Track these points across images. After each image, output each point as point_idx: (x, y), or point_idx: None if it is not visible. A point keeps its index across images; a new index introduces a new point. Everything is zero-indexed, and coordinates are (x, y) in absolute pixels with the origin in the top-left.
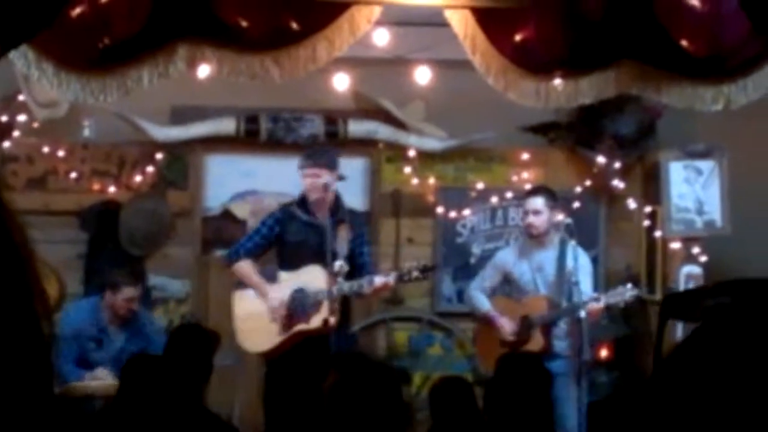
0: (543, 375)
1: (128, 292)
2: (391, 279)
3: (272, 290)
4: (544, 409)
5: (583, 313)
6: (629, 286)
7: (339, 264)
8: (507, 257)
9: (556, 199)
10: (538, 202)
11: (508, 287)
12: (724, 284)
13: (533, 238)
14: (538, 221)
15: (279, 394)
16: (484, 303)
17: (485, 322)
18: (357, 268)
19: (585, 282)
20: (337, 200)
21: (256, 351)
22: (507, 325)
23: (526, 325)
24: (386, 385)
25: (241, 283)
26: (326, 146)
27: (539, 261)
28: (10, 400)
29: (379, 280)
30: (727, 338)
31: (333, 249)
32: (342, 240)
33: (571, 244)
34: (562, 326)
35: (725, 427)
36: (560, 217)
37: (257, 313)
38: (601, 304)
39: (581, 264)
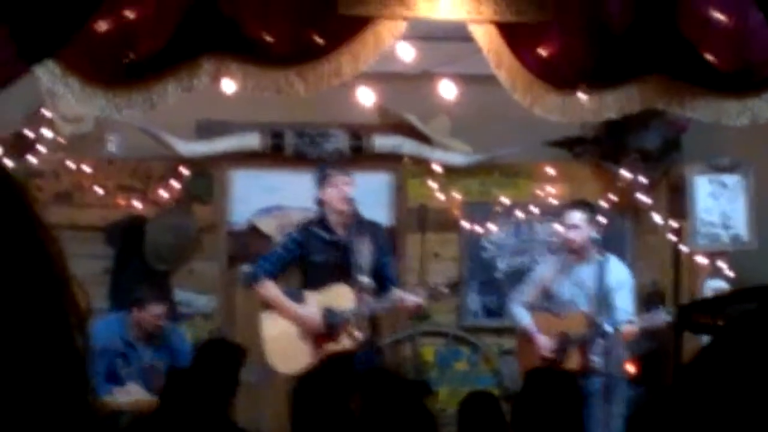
0: (572, 392)
1: (155, 308)
2: (420, 299)
3: (302, 309)
4: (573, 426)
5: (610, 328)
6: (662, 309)
7: (366, 281)
8: (546, 272)
9: (595, 212)
10: (576, 216)
11: (547, 302)
12: (746, 291)
13: (572, 253)
14: (577, 236)
15: (305, 410)
16: (524, 317)
17: (526, 338)
18: (382, 280)
19: (625, 298)
20: (356, 214)
21: (289, 372)
22: (545, 342)
23: (563, 343)
24: (408, 399)
25: (266, 305)
26: (337, 158)
27: (579, 276)
28: (47, 414)
29: (409, 299)
30: (751, 345)
31: (357, 264)
32: (365, 255)
33: (613, 258)
34: (600, 342)
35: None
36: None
37: (287, 333)
38: (635, 327)
39: (621, 279)
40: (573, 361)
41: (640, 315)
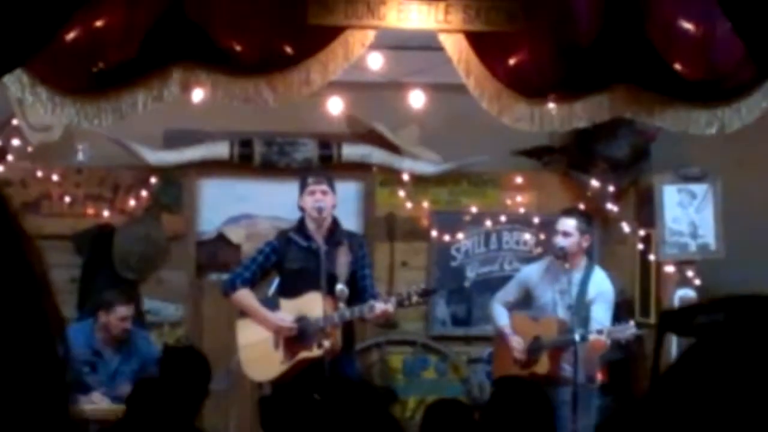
0: (541, 402)
1: (121, 311)
2: (390, 306)
3: (276, 316)
4: None
5: (578, 337)
6: (631, 323)
7: (340, 288)
8: (532, 275)
9: (590, 223)
10: (569, 223)
11: (526, 305)
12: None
13: (559, 260)
14: (567, 243)
15: (274, 418)
16: (502, 317)
17: (503, 339)
18: (358, 291)
19: (602, 310)
20: (335, 223)
21: (262, 380)
22: (518, 343)
23: (536, 346)
24: (373, 407)
25: (242, 313)
26: (323, 170)
27: (563, 283)
28: (27, 422)
29: (379, 306)
30: (721, 355)
31: (332, 273)
32: (342, 264)
33: (598, 270)
34: (570, 351)
35: None
36: (549, 237)
37: (261, 341)
38: (602, 338)
39: (602, 291)
40: (543, 366)
41: (609, 327)
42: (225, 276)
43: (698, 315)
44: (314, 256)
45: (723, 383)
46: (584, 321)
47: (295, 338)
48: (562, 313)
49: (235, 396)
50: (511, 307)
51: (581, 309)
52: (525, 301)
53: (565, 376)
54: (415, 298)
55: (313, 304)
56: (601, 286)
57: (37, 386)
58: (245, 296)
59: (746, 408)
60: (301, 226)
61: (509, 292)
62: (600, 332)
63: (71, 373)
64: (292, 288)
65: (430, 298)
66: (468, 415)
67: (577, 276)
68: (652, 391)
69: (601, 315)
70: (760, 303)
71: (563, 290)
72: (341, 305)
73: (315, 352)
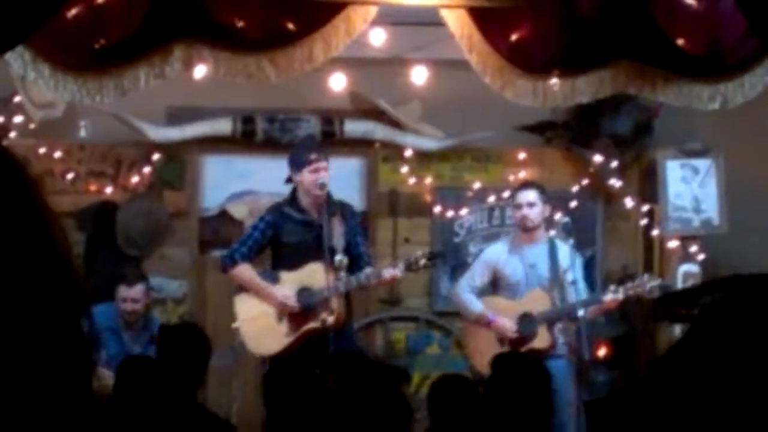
0: (543, 376)
1: (121, 291)
2: (399, 271)
3: (278, 289)
4: (543, 410)
5: (581, 312)
6: (647, 276)
7: (339, 258)
8: (497, 254)
9: (545, 193)
10: (531, 194)
11: (494, 287)
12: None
13: (527, 232)
14: (533, 213)
15: (279, 393)
16: (476, 304)
17: (481, 324)
18: (354, 259)
19: (578, 273)
20: (328, 195)
21: (267, 354)
22: (507, 325)
23: (527, 323)
24: (385, 385)
25: (241, 288)
26: (317, 143)
27: (531, 257)
28: (51, 396)
29: (388, 272)
30: (722, 334)
31: (330, 244)
32: (338, 234)
33: (560, 240)
34: (568, 326)
35: (722, 424)
36: (554, 213)
37: (262, 315)
38: (619, 296)
39: (569, 256)
40: (542, 340)
41: (625, 284)
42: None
43: (699, 297)
44: (311, 228)
45: (723, 363)
46: (564, 288)
47: (299, 311)
48: (538, 287)
49: (239, 372)
50: (479, 293)
51: (557, 279)
52: (492, 283)
53: (557, 351)
54: (423, 262)
55: (315, 275)
56: (570, 254)
57: (62, 362)
58: (245, 271)
59: (746, 387)
60: (293, 200)
61: (476, 277)
62: (615, 292)
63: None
64: (290, 261)
65: (440, 261)
66: (473, 390)
67: (543, 247)
68: (650, 372)
69: (579, 277)
70: (759, 282)
71: (533, 264)
72: (342, 274)
73: (320, 323)
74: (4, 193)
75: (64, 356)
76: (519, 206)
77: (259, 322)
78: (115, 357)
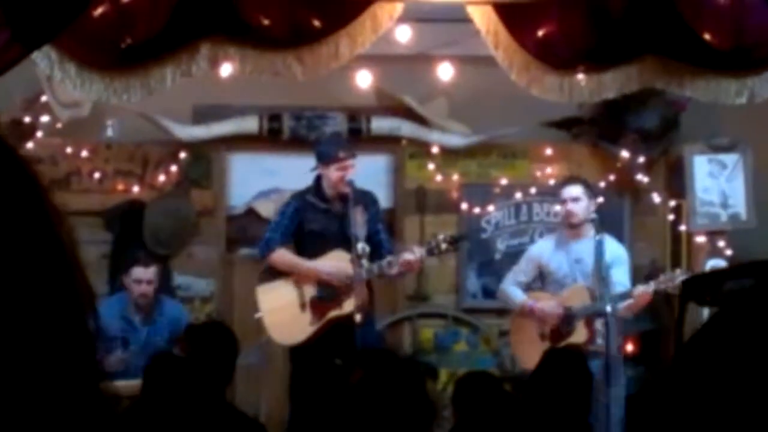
0: (585, 374)
1: (137, 272)
2: (419, 254)
3: (322, 265)
4: (583, 409)
5: (609, 308)
6: (678, 271)
7: (361, 246)
8: (543, 249)
9: (591, 189)
10: (577, 189)
11: (541, 282)
12: (745, 266)
13: (573, 228)
14: (579, 209)
15: (305, 389)
16: (519, 295)
17: (523, 315)
18: (374, 246)
19: (622, 272)
20: (350, 184)
21: (291, 343)
22: (549, 310)
23: (567, 318)
24: (412, 381)
25: (263, 278)
26: (344, 141)
27: (577, 252)
28: (59, 397)
29: (408, 255)
30: (748, 321)
31: (354, 232)
32: (360, 223)
33: (608, 236)
34: (599, 322)
35: (749, 414)
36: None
37: (286, 305)
38: (650, 289)
39: (618, 255)
40: (580, 335)
41: (655, 278)
42: (255, 251)
43: (724, 282)
44: (334, 217)
45: (749, 350)
46: (607, 286)
47: (323, 297)
48: (582, 282)
49: (268, 371)
50: (525, 288)
51: (602, 275)
52: (539, 278)
53: (595, 348)
54: (444, 246)
55: (337, 262)
56: (617, 249)
57: (68, 361)
58: (284, 255)
59: None
60: (317, 189)
61: (521, 272)
62: (647, 285)
63: (103, 349)
64: (311, 250)
65: (463, 245)
66: (498, 387)
67: (589, 243)
68: (676, 361)
69: (622, 278)
70: None
71: (579, 259)
72: (364, 262)
73: (345, 310)
74: (7, 191)
75: (69, 355)
76: (564, 201)
77: (282, 312)
78: (141, 350)
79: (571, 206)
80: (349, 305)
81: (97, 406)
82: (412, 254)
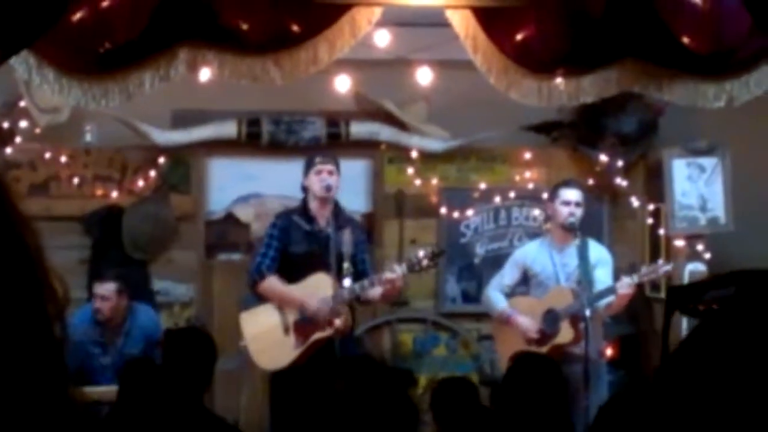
0: (556, 377)
1: (97, 289)
2: (400, 271)
3: (305, 296)
4: (557, 412)
5: (588, 312)
6: (660, 261)
7: (346, 266)
8: (527, 253)
9: (585, 192)
10: (577, 193)
11: (525, 287)
12: (728, 276)
13: (568, 231)
14: (580, 212)
15: (285, 398)
16: (500, 302)
17: (502, 323)
18: (358, 275)
19: (605, 274)
20: (337, 205)
21: (276, 368)
22: (526, 323)
23: (551, 319)
24: (393, 390)
25: (247, 304)
26: (331, 149)
27: (562, 256)
28: (24, 404)
29: (389, 274)
30: (731, 331)
31: (339, 252)
32: (347, 242)
33: (590, 240)
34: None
35: (732, 422)
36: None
37: (269, 330)
38: (634, 282)
39: (602, 258)
40: (566, 335)
41: (640, 270)
42: (235, 256)
43: (707, 291)
44: (318, 239)
45: (734, 360)
46: (590, 288)
47: (306, 320)
48: (566, 284)
49: (247, 376)
50: (510, 292)
51: (586, 277)
52: (523, 282)
53: (579, 350)
54: (425, 262)
55: (321, 284)
56: (600, 252)
57: (33, 367)
58: (273, 284)
59: (755, 385)
60: (304, 209)
61: (506, 276)
62: (632, 279)
63: (76, 354)
64: (294, 272)
65: (439, 260)
66: (474, 393)
67: (573, 246)
68: (663, 368)
69: (605, 278)
70: None
71: (564, 263)
72: (348, 281)
73: (328, 331)
74: None
75: (33, 361)
76: (567, 203)
77: (266, 338)
78: (119, 359)
79: (574, 209)
80: (332, 327)
81: (65, 411)
82: (393, 272)
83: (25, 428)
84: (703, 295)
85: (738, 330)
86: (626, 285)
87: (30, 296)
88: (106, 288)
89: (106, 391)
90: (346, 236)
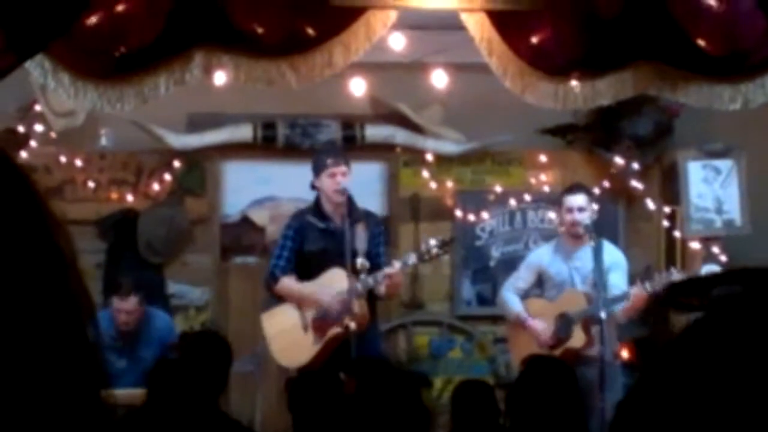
0: (570, 380)
1: (116, 303)
2: (410, 260)
3: (318, 291)
4: (571, 415)
5: (604, 314)
6: (673, 270)
7: (360, 261)
8: (542, 256)
9: (591, 194)
10: (581, 198)
11: (540, 289)
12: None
13: (575, 237)
14: (584, 217)
15: (303, 398)
16: (516, 304)
17: (517, 325)
18: (374, 268)
19: (619, 277)
20: (351, 201)
21: (297, 365)
22: (540, 327)
23: (564, 323)
24: (406, 391)
25: (267, 304)
26: (337, 148)
27: (576, 259)
28: (61, 406)
29: (387, 269)
30: (735, 329)
31: (353, 248)
32: (361, 240)
33: (606, 242)
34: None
35: (725, 420)
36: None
37: (289, 328)
38: (646, 290)
39: (616, 261)
40: (578, 339)
41: (650, 279)
42: (250, 259)
43: (712, 287)
44: (333, 236)
45: (734, 359)
46: (605, 291)
47: (324, 317)
48: (581, 288)
49: (262, 379)
50: (524, 294)
51: (600, 280)
52: (537, 284)
53: (593, 353)
54: (435, 251)
55: (337, 279)
56: (615, 254)
57: (68, 371)
58: (288, 283)
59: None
60: (317, 208)
61: (521, 278)
62: (644, 287)
63: (102, 357)
64: (310, 270)
65: (452, 248)
66: (492, 396)
67: (587, 249)
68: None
69: (619, 282)
70: None
71: (578, 266)
72: (363, 276)
73: (344, 327)
74: (6, 200)
75: (69, 364)
76: (570, 210)
77: (286, 337)
78: (135, 364)
79: (577, 216)
80: (347, 323)
81: (96, 413)
82: (392, 267)
83: (57, 428)
84: (709, 291)
85: (741, 326)
86: (638, 292)
87: (62, 299)
88: (130, 302)
89: (121, 394)
90: (360, 232)
